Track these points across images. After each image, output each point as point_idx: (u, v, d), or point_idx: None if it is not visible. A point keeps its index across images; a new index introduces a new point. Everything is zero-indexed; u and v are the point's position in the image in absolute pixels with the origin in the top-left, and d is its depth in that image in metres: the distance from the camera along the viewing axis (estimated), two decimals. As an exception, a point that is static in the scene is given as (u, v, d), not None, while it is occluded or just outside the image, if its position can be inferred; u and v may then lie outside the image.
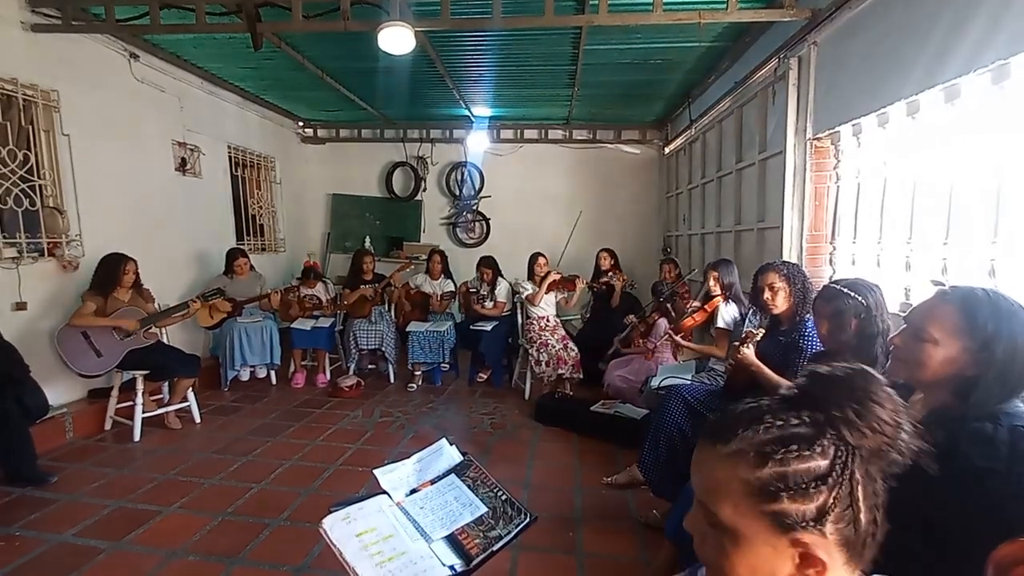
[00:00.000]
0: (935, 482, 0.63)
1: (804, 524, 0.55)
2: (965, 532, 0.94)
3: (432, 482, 1.37)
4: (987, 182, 1.96)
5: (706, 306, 3.01)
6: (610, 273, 4.75)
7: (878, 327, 1.67)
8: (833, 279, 1.90)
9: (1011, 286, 1.81)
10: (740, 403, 0.63)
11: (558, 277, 4.45)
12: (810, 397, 0.60)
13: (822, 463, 0.55)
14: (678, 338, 2.98)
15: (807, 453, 0.55)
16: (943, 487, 0.81)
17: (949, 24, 2.00)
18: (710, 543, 0.61)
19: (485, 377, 4.78)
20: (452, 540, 1.22)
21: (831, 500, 0.55)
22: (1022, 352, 1.01)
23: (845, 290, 1.72)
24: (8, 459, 2.65)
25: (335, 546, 1.11)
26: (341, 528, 1.16)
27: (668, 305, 3.93)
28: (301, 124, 6.44)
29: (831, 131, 2.84)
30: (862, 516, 0.56)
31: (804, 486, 0.55)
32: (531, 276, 4.48)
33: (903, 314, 2.24)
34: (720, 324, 2.94)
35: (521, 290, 4.52)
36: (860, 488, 0.56)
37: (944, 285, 1.15)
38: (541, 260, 4.47)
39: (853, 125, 2.67)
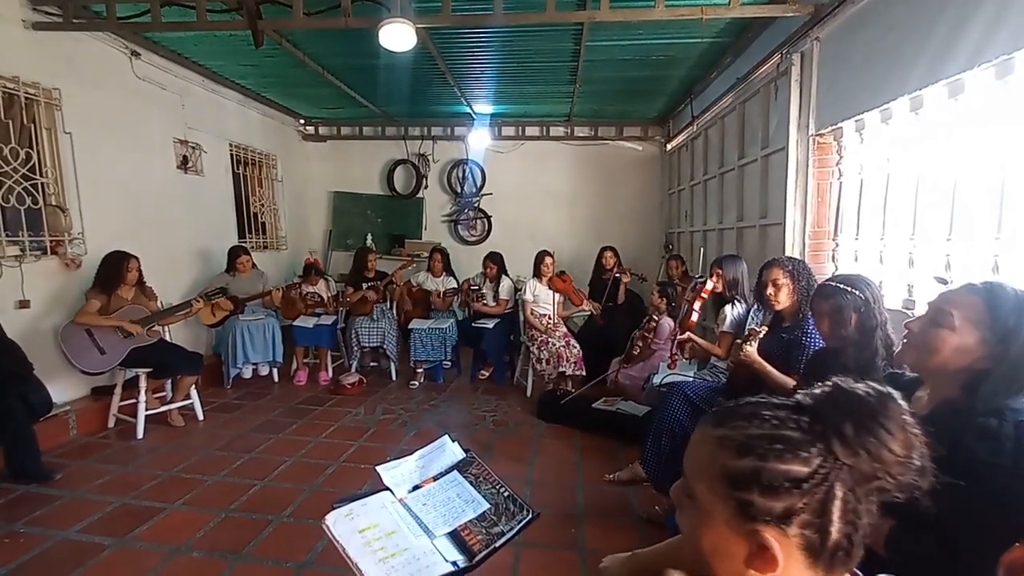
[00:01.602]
0: (941, 478, 0.63)
1: (767, 519, 0.56)
2: (972, 529, 0.94)
3: (434, 479, 1.37)
4: (991, 177, 1.96)
5: (702, 293, 2.89)
6: (615, 270, 4.75)
7: (876, 320, 1.67)
8: (827, 277, 1.89)
9: (1014, 282, 1.80)
10: (754, 398, 0.65)
11: (571, 285, 4.44)
12: (821, 406, 0.60)
13: (802, 469, 0.56)
14: (685, 335, 2.87)
15: (789, 456, 0.57)
16: (948, 483, 0.81)
17: (952, 19, 1.99)
18: (685, 513, 0.65)
19: (487, 374, 4.79)
20: (455, 536, 1.22)
21: (800, 505, 0.56)
22: None
23: (842, 286, 1.72)
24: (13, 456, 2.66)
25: (338, 542, 1.12)
26: (344, 524, 1.16)
27: (673, 303, 3.90)
28: (302, 122, 6.44)
29: (834, 127, 2.83)
30: (833, 530, 0.56)
31: (776, 485, 0.56)
32: (537, 274, 4.48)
33: (906, 310, 2.24)
34: (725, 327, 2.90)
35: (522, 288, 4.52)
36: (837, 503, 0.56)
37: (947, 281, 1.15)
38: (548, 260, 4.46)
39: (856, 121, 2.65)
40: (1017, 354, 1.01)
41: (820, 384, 0.63)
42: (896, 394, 0.61)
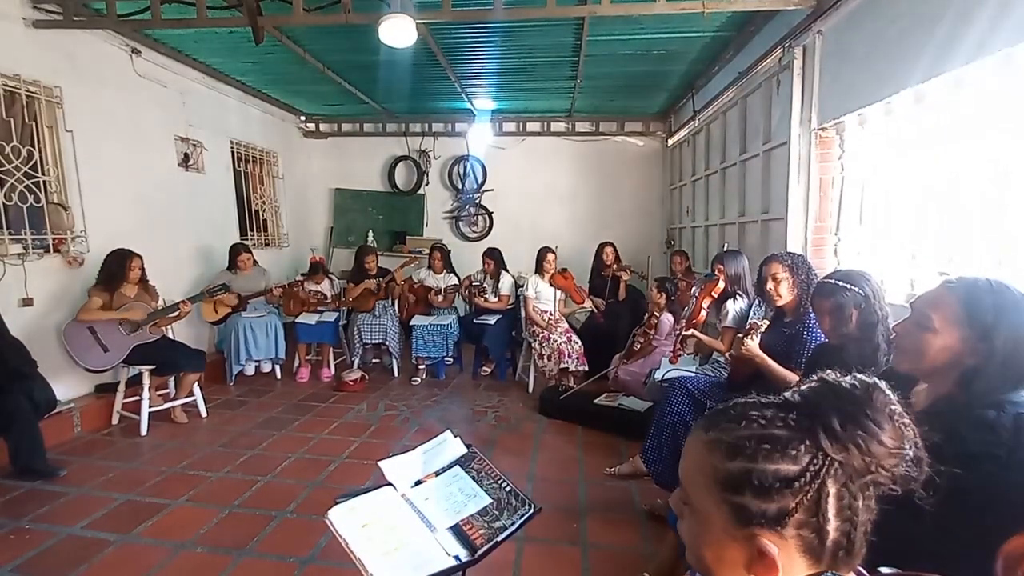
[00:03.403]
0: (939, 470, 0.63)
1: (763, 522, 0.55)
2: (969, 520, 0.94)
3: (437, 474, 1.38)
4: (994, 172, 1.95)
5: (712, 292, 2.91)
6: (615, 267, 4.75)
7: (877, 315, 1.67)
8: (826, 274, 1.88)
9: (1018, 276, 1.79)
10: (740, 398, 0.64)
11: (573, 283, 4.44)
12: (808, 402, 0.60)
13: (791, 468, 0.55)
14: (691, 332, 2.84)
15: (777, 455, 0.56)
16: (947, 474, 0.81)
17: (956, 12, 1.97)
18: (686, 522, 0.64)
19: (489, 370, 4.80)
20: (457, 530, 1.23)
21: (793, 505, 0.54)
22: None
23: (841, 283, 1.72)
24: (18, 453, 2.68)
25: (341, 537, 1.13)
26: (347, 519, 1.17)
27: (673, 297, 3.91)
28: (303, 119, 6.43)
29: (836, 121, 2.81)
30: (830, 528, 0.55)
31: (767, 486, 0.55)
32: (539, 270, 4.47)
33: (908, 305, 2.24)
34: (727, 322, 2.89)
35: (523, 284, 4.52)
36: (831, 501, 0.55)
37: (952, 276, 1.14)
38: (550, 256, 4.45)
39: (859, 115, 2.64)
40: (1004, 349, 1.00)
41: (808, 381, 0.63)
42: (882, 384, 0.60)
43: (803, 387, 0.62)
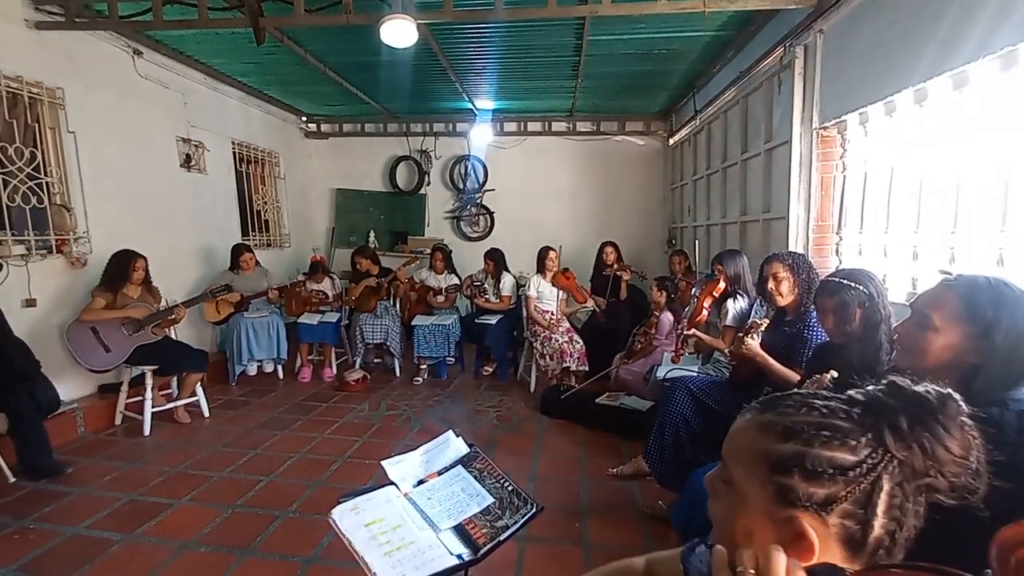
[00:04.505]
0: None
1: (807, 505, 0.56)
2: (970, 514, 0.94)
3: (439, 473, 1.38)
4: (996, 170, 1.94)
5: (713, 291, 2.91)
6: (616, 267, 4.75)
7: (881, 314, 1.67)
8: (830, 273, 1.88)
9: (1019, 274, 1.79)
10: (804, 391, 0.64)
11: (575, 282, 4.44)
12: (876, 401, 0.60)
13: (848, 457, 0.56)
14: (692, 331, 2.86)
15: (836, 443, 0.56)
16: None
17: (958, 10, 1.97)
18: (720, 500, 0.64)
19: (491, 370, 4.80)
20: (460, 530, 1.23)
21: (844, 493, 0.55)
22: None
23: (845, 281, 1.71)
24: (25, 453, 2.69)
25: (344, 536, 1.13)
26: (350, 518, 1.18)
27: (673, 296, 3.91)
28: (304, 119, 6.44)
29: (838, 120, 2.81)
30: (876, 524, 0.55)
31: (820, 470, 0.55)
32: (541, 270, 4.48)
33: (910, 304, 2.24)
34: (728, 322, 2.89)
35: (525, 284, 4.52)
36: (883, 496, 0.55)
37: (952, 275, 1.14)
38: (552, 254, 4.45)
39: (860, 114, 2.64)
40: (1005, 346, 1.01)
41: (874, 383, 0.63)
42: (956, 396, 0.59)
43: (869, 387, 0.62)
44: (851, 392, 0.62)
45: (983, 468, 0.58)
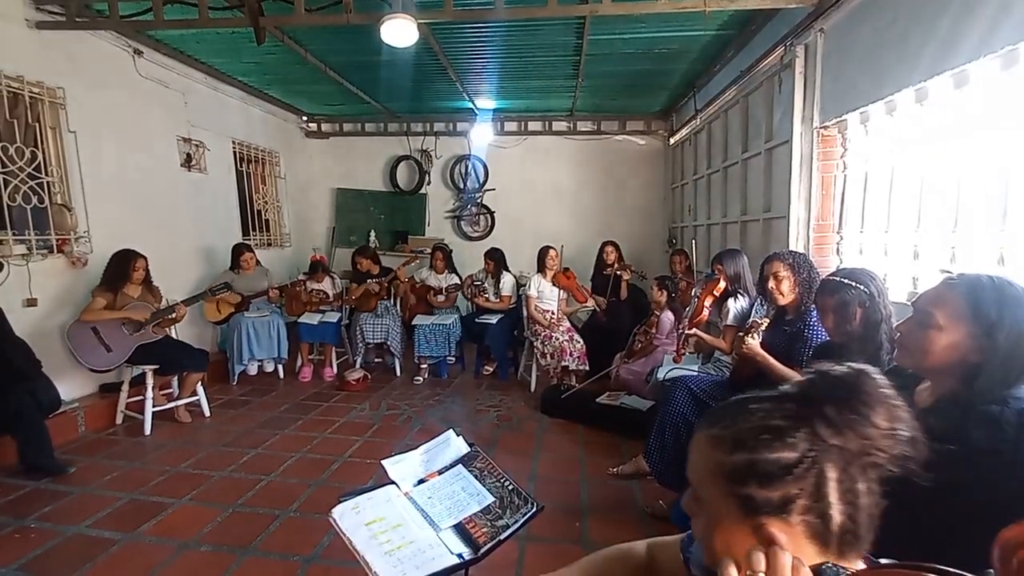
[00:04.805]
0: (942, 464, 0.63)
1: (769, 510, 0.57)
2: (971, 513, 0.94)
3: (439, 472, 1.39)
4: (997, 169, 1.94)
5: (713, 291, 2.90)
6: (616, 266, 4.75)
7: (881, 314, 1.67)
8: (830, 272, 1.88)
9: (1020, 273, 1.79)
10: (742, 395, 0.66)
11: (576, 282, 4.44)
12: (803, 392, 0.61)
13: (791, 455, 0.57)
14: (693, 331, 2.84)
15: (778, 444, 0.57)
16: (950, 468, 0.81)
17: (958, 9, 1.97)
18: (698, 520, 0.65)
19: (491, 370, 4.80)
20: (460, 529, 1.24)
21: (796, 491, 0.56)
22: None
23: (846, 281, 1.71)
24: (26, 452, 2.70)
25: (345, 535, 1.13)
26: (351, 517, 1.18)
27: (673, 295, 3.91)
28: (305, 119, 6.44)
29: (838, 119, 2.81)
30: (833, 512, 0.57)
31: (770, 474, 0.57)
32: (541, 269, 4.47)
33: (911, 303, 2.24)
34: (728, 321, 2.89)
35: (525, 284, 4.52)
36: (832, 484, 0.56)
37: (952, 274, 1.14)
38: (552, 253, 4.44)
39: (860, 113, 2.64)
40: (1007, 345, 1.01)
41: (805, 373, 0.64)
42: (871, 369, 0.61)
43: (799, 378, 0.64)
44: (782, 387, 0.64)
45: (917, 435, 0.59)
